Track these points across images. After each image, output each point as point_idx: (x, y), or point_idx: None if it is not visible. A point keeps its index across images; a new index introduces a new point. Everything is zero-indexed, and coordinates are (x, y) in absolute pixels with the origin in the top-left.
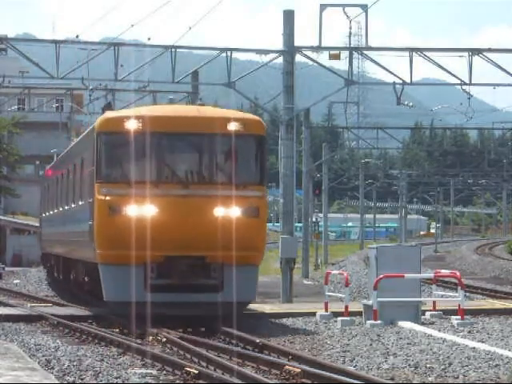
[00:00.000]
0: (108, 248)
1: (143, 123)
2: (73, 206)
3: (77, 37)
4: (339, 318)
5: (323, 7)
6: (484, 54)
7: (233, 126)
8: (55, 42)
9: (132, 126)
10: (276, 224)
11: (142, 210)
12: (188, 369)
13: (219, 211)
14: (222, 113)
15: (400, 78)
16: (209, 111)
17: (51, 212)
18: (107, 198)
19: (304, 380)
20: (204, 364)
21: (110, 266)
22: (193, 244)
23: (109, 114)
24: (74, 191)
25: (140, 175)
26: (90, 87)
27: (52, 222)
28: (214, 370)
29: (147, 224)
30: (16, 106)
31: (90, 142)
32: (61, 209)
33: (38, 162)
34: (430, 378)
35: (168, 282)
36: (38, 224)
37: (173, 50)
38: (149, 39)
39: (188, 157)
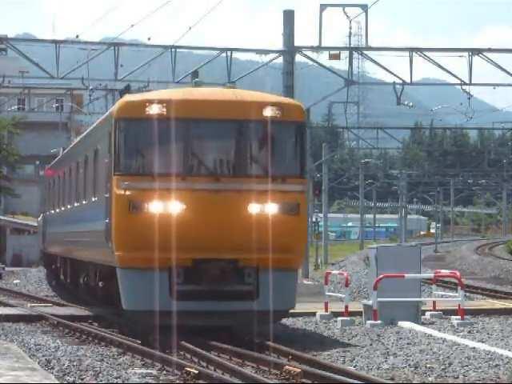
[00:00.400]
0: (128, 250)
1: (168, 108)
2: (84, 202)
3: (77, 37)
4: (339, 318)
5: (323, 7)
6: (484, 53)
7: (269, 112)
8: (55, 41)
9: (155, 110)
10: None
11: (166, 207)
12: (188, 369)
13: (254, 208)
14: (258, 96)
15: (400, 78)
16: (242, 94)
17: (57, 210)
18: (127, 192)
19: (304, 380)
20: (204, 364)
21: (130, 271)
22: (224, 245)
23: (129, 97)
24: (86, 186)
25: (164, 167)
26: (90, 87)
27: (58, 221)
28: (214, 370)
29: (173, 222)
30: (16, 106)
31: (107, 129)
32: (69, 206)
33: (37, 162)
34: (429, 378)
35: (196, 289)
36: (36, 224)
37: (173, 49)
38: (149, 39)
39: (219, 146)
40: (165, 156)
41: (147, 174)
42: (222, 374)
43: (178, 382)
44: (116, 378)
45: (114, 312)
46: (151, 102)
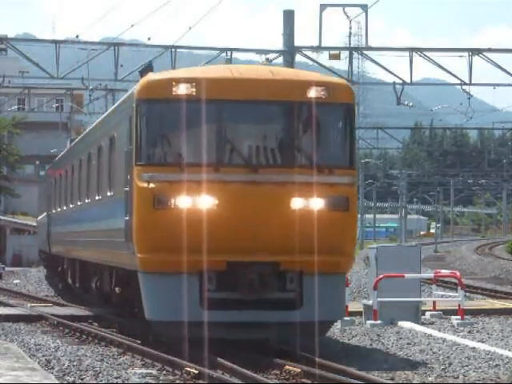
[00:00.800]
0: (152, 251)
1: (198, 87)
2: (97, 198)
3: (77, 37)
4: None
5: (323, 7)
6: (484, 53)
7: (314, 92)
8: (55, 41)
9: (183, 90)
10: None
11: (196, 202)
12: (188, 369)
13: (297, 203)
14: (301, 75)
15: (400, 78)
16: (283, 73)
17: (64, 208)
18: (151, 185)
19: (304, 380)
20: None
21: (155, 275)
22: (264, 246)
23: (152, 75)
24: (100, 180)
25: (194, 156)
26: (90, 87)
27: (66, 220)
28: (214, 370)
29: (204, 220)
30: (16, 106)
31: (126, 113)
32: (79, 203)
33: (37, 162)
34: (430, 378)
35: (231, 297)
36: (35, 224)
37: (173, 49)
38: (149, 39)
39: (256, 132)
40: (194, 143)
41: (174, 164)
42: (222, 373)
43: (178, 381)
44: (116, 377)
45: (137, 322)
46: (178, 80)
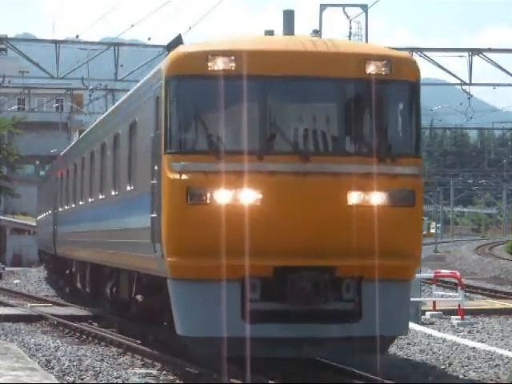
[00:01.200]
0: (185, 254)
1: (239, 62)
2: (114, 194)
3: (77, 37)
4: None
5: (323, 7)
6: (484, 53)
7: (374, 68)
8: (55, 41)
9: (221, 65)
10: None
11: (237, 196)
12: (188, 369)
13: (355, 197)
14: (358, 47)
15: None
16: (337, 44)
17: (72, 206)
18: (183, 176)
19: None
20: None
21: (188, 283)
22: (317, 248)
23: (184, 47)
24: (117, 173)
25: (234, 142)
26: (90, 87)
27: (75, 219)
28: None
29: (246, 217)
30: (16, 106)
31: (151, 94)
32: (90, 200)
33: (37, 162)
34: (430, 378)
35: (278, 308)
36: (35, 224)
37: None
38: (149, 39)
39: (307, 114)
40: (234, 127)
41: (210, 151)
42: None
43: (178, 381)
44: (116, 378)
45: (164, 336)
46: (215, 53)
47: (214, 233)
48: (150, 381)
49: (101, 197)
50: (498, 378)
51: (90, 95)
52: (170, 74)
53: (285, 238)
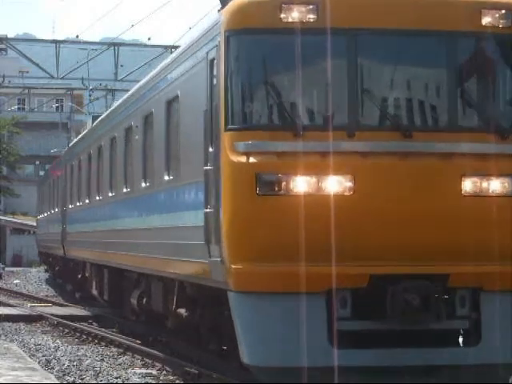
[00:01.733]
0: (254, 260)
1: (320, 12)
2: (144, 186)
3: (77, 37)
4: None
5: None
6: None
7: (491, 19)
8: (55, 41)
9: (299, 16)
10: None
11: (322, 184)
12: (188, 369)
13: (471, 185)
14: None
15: None
16: None
17: (86, 202)
18: (251, 159)
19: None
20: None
21: (258, 298)
22: (424, 252)
23: None
24: (149, 161)
25: (316, 114)
26: (90, 87)
27: (90, 216)
28: (215, 370)
29: (334, 212)
30: (16, 106)
31: (203, 57)
32: (110, 195)
33: (37, 162)
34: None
35: (376, 327)
36: (35, 224)
37: (173, 49)
38: (149, 39)
39: (408, 78)
40: (316, 96)
41: (286, 127)
42: (222, 373)
43: (177, 381)
44: (116, 378)
45: (227, 368)
46: (291, 1)
47: (291, 232)
48: (150, 381)
49: (125, 190)
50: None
51: (90, 95)
52: (233, 28)
53: (383, 238)
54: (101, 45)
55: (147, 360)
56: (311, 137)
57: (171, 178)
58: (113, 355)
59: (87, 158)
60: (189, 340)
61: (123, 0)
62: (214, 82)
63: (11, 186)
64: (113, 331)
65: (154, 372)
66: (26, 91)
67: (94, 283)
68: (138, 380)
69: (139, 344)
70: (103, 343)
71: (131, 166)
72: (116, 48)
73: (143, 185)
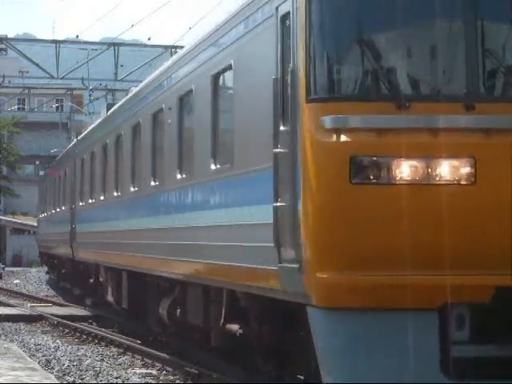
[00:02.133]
0: (348, 267)
1: None
2: (181, 177)
3: (77, 37)
4: None
5: None
6: None
7: None
8: (55, 41)
9: None
10: None
11: (435, 171)
12: (188, 369)
13: None
14: None
15: None
16: None
17: (101, 199)
18: (343, 137)
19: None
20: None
21: (351, 316)
22: None
23: None
24: (186, 147)
25: (425, 82)
26: (90, 87)
27: (106, 214)
28: (215, 370)
29: (449, 205)
30: (16, 106)
31: (270, 14)
32: (133, 189)
33: (37, 162)
34: None
35: (503, 355)
36: (36, 224)
37: (173, 49)
38: (149, 39)
39: None
40: (423, 59)
41: (386, 97)
42: (222, 374)
43: (177, 382)
44: (116, 378)
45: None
46: None
47: (395, 231)
48: (150, 381)
49: (153, 184)
50: None
51: (89, 95)
52: None
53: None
54: (101, 45)
55: (147, 360)
56: (419, 109)
57: (219, 167)
58: (113, 355)
59: (102, 149)
60: (189, 340)
61: (123, 0)
62: (289, 42)
63: (11, 186)
64: (113, 331)
65: (154, 372)
66: (26, 91)
67: (109, 289)
68: (138, 380)
69: (139, 344)
70: (103, 343)
71: (161, 154)
72: (116, 48)
73: (179, 177)
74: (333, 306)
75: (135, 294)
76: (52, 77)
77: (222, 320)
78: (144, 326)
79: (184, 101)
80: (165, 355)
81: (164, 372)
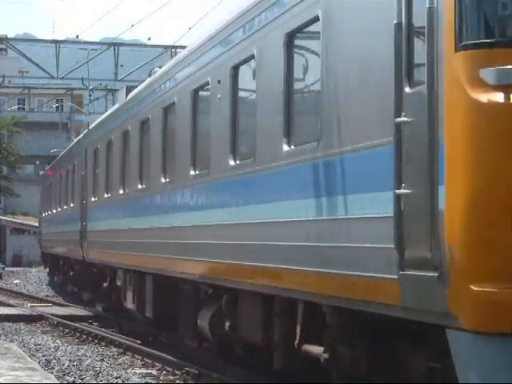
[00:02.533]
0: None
1: None
2: (234, 164)
3: (77, 37)
4: None
5: None
6: None
7: None
8: (55, 41)
9: None
10: None
11: None
12: (188, 369)
13: None
14: None
15: None
16: None
17: (120, 193)
18: None
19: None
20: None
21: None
22: None
23: None
24: (242, 125)
25: None
26: (90, 87)
27: (128, 210)
28: (215, 370)
29: None
30: (16, 106)
31: None
32: (164, 181)
33: (37, 162)
34: None
35: None
36: (37, 224)
37: (173, 49)
38: (149, 39)
39: None
40: None
41: None
42: (222, 374)
43: (178, 381)
44: (116, 378)
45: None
46: None
47: None
48: (150, 381)
49: (192, 173)
50: None
51: (89, 95)
52: None
53: None
54: (101, 45)
55: (147, 360)
56: None
57: (296, 147)
58: (113, 355)
59: (122, 136)
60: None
61: (123, 0)
62: None
63: (11, 186)
64: (113, 331)
65: (154, 372)
66: (26, 91)
67: (129, 295)
68: (138, 380)
69: (139, 344)
70: (103, 343)
71: (205, 136)
72: (116, 48)
73: (232, 163)
74: (494, 331)
75: (162, 301)
76: (52, 77)
77: (298, 339)
78: (174, 338)
79: (238, 71)
80: (165, 355)
81: (164, 372)
